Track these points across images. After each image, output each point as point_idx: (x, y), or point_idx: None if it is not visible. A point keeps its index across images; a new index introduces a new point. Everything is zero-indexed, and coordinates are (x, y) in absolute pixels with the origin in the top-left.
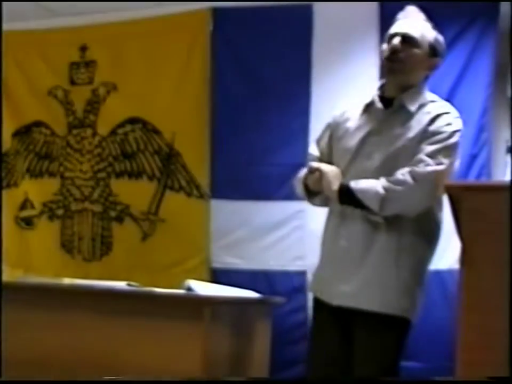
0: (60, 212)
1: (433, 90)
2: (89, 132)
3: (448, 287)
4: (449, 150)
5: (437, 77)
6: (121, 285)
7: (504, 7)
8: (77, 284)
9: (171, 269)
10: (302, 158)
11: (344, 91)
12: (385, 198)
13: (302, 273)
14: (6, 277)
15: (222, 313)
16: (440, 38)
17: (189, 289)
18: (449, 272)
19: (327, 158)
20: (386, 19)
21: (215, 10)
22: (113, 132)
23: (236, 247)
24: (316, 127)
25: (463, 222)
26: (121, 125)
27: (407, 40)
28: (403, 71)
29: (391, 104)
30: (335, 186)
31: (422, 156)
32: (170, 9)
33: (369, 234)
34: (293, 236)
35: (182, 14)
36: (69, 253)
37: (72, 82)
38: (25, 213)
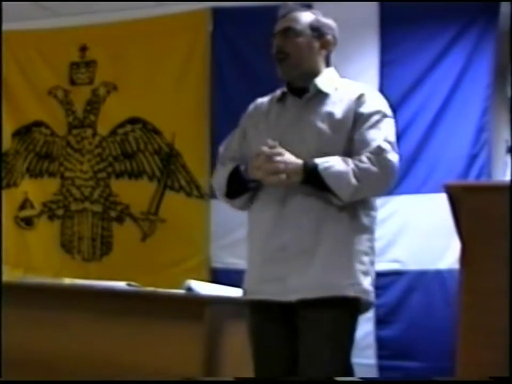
0: (60, 212)
1: (433, 90)
2: (89, 132)
3: (448, 287)
4: (394, 132)
5: (437, 77)
6: (121, 285)
7: (504, 7)
8: (77, 284)
9: (171, 269)
10: None
11: None
12: (357, 188)
13: None
14: (6, 277)
15: (222, 313)
16: (322, 18)
17: (189, 289)
18: (449, 272)
19: (240, 160)
20: (386, 19)
21: (215, 10)
22: (113, 132)
23: (236, 247)
24: None
25: (463, 222)
26: (121, 125)
27: (287, 34)
28: (294, 63)
29: (304, 92)
30: (299, 162)
31: (380, 143)
32: (170, 9)
33: (317, 221)
34: None
35: (182, 14)
36: (69, 253)
37: (72, 82)
38: (25, 213)
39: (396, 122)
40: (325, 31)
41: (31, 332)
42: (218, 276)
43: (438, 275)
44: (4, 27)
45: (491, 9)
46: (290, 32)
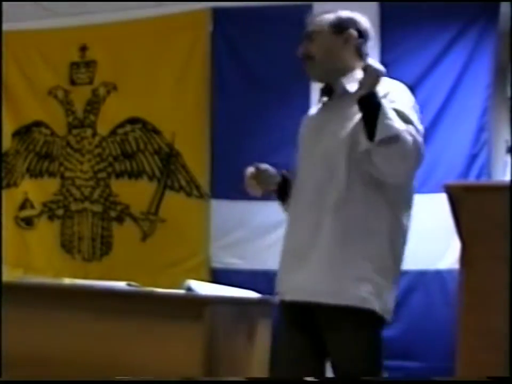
0: (60, 212)
1: (433, 90)
2: (89, 132)
3: (448, 287)
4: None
5: (437, 76)
6: (121, 285)
7: (504, 7)
8: (77, 284)
9: (171, 269)
10: None
11: None
12: (393, 138)
13: None
14: (6, 277)
15: (222, 313)
16: (345, 14)
17: (189, 289)
18: (449, 272)
19: None
20: (386, 19)
21: (215, 10)
22: (113, 132)
23: (236, 247)
24: None
25: (463, 222)
26: (121, 125)
27: (310, 37)
28: (318, 62)
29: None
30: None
31: (408, 128)
32: (170, 9)
33: (315, 224)
34: None
35: (182, 14)
36: (69, 253)
37: (72, 82)
38: (25, 213)
39: None
40: (346, 26)
41: (31, 332)
42: (218, 276)
43: (438, 275)
44: (4, 27)
45: (491, 9)
46: (312, 34)
